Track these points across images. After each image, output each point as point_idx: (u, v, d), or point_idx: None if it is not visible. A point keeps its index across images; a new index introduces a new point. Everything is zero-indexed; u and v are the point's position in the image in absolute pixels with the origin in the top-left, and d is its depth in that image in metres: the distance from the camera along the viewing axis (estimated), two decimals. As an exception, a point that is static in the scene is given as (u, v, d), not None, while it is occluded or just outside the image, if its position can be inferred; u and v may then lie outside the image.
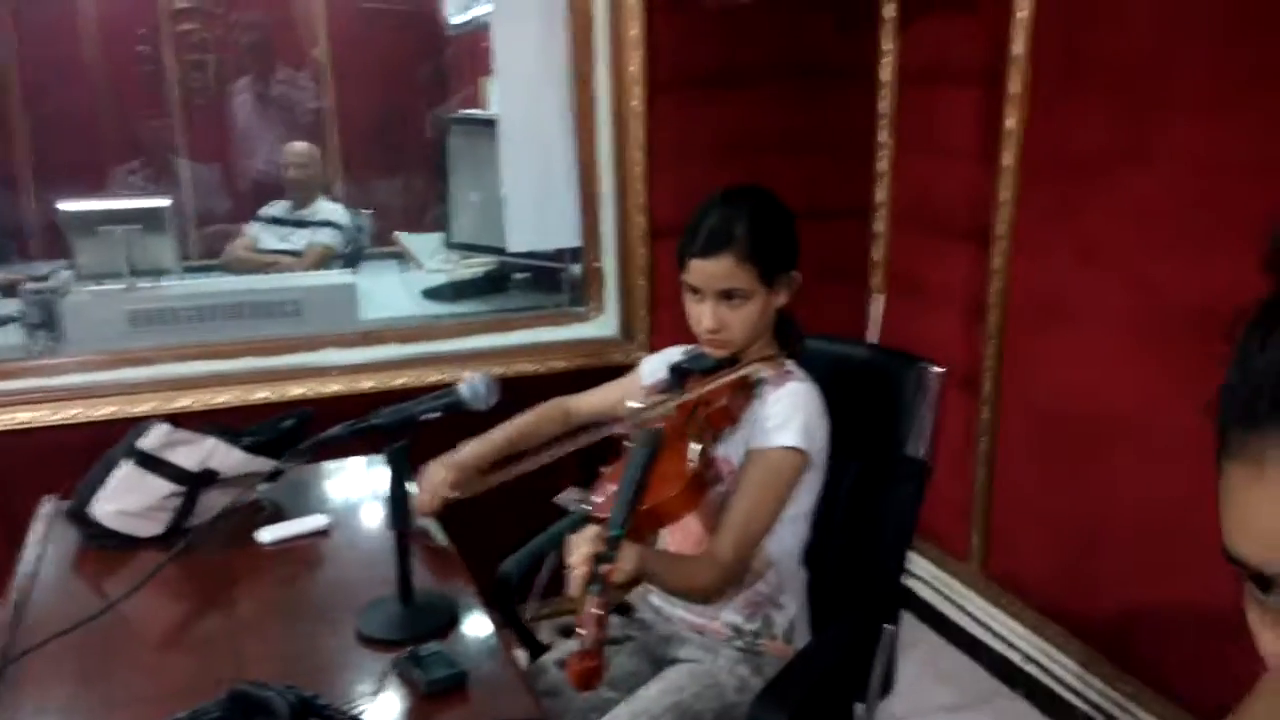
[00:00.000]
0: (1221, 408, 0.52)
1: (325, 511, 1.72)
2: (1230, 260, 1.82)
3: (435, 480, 1.59)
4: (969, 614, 2.57)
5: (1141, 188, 2.03)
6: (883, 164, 2.76)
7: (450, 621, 1.40)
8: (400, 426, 1.38)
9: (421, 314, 2.93)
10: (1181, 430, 1.96)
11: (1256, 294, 0.52)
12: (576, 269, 2.86)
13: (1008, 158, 2.32)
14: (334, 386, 2.39)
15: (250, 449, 1.70)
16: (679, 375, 1.57)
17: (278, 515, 1.72)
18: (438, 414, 1.39)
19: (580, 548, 1.23)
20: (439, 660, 1.27)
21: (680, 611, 1.59)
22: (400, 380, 2.43)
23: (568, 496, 1.85)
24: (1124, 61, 2.04)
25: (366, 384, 2.41)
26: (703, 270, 1.46)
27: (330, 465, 1.96)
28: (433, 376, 2.42)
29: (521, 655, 1.64)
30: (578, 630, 1.18)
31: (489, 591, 1.51)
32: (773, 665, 1.53)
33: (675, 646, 1.59)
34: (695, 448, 1.40)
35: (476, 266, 3.43)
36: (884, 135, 2.73)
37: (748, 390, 1.49)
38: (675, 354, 1.65)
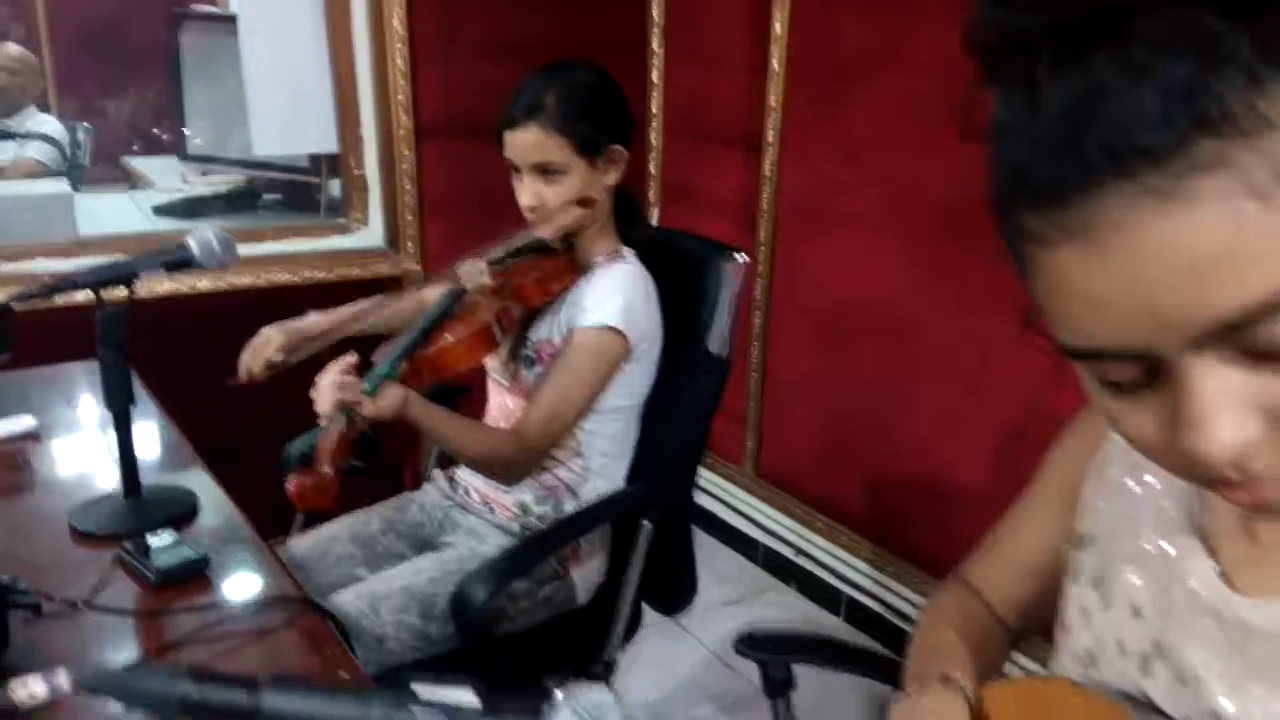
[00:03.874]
0: (1002, 192, 0.44)
1: (33, 414, 1.47)
2: (967, 156, 1.90)
3: (262, 340, 1.42)
4: (743, 515, 2.62)
5: (895, 89, 2.09)
6: (655, 74, 2.72)
7: (189, 512, 1.23)
8: (110, 284, 1.19)
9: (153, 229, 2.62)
10: (937, 319, 2.06)
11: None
12: (335, 185, 2.64)
13: (776, 63, 2.34)
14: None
15: (-72, 342, 1.42)
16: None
17: (-30, 419, 1.46)
18: (159, 270, 1.21)
19: (330, 375, 1.21)
20: (172, 549, 1.10)
21: (477, 482, 1.51)
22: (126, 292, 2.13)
23: None
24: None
25: (85, 295, 2.09)
26: (514, 142, 1.38)
27: (42, 370, 1.69)
28: (165, 287, 2.15)
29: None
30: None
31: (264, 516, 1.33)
32: None
33: (446, 531, 1.49)
34: (495, 304, 1.36)
35: (219, 183, 3.12)
36: (655, 44, 2.70)
37: (572, 270, 1.44)
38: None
